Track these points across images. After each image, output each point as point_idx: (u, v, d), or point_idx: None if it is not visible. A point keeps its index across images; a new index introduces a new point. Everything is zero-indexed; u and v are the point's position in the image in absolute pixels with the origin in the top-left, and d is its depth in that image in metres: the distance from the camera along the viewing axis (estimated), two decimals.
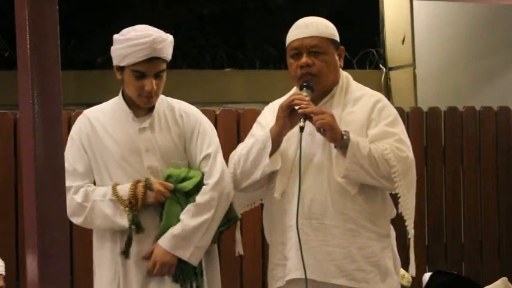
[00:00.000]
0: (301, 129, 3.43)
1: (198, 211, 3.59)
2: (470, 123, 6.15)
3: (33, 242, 2.09)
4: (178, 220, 3.59)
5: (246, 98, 7.63)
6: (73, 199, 3.61)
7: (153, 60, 3.56)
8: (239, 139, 5.29)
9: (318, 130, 3.44)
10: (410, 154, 3.54)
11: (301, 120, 3.44)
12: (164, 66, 3.61)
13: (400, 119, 3.62)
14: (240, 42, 9.26)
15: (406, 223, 3.55)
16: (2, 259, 4.57)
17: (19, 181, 5.00)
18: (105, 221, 3.61)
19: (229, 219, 3.70)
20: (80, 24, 8.77)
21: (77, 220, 3.65)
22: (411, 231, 3.58)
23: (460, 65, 7.37)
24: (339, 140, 3.43)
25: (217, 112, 5.41)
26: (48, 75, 2.11)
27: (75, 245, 4.95)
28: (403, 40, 7.66)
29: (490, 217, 6.16)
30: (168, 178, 3.61)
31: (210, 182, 3.62)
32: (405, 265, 3.77)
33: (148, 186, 3.55)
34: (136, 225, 3.57)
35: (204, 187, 3.62)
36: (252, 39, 9.34)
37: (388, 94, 7.76)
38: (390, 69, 7.93)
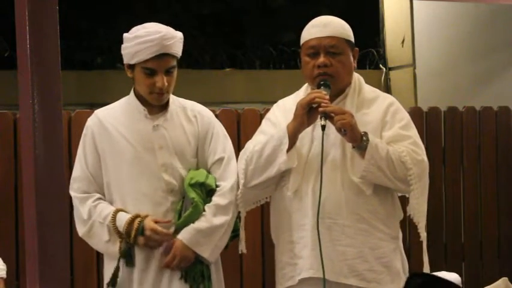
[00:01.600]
0: (323, 127, 3.41)
1: (220, 211, 3.58)
2: (470, 123, 6.15)
3: (33, 242, 2.09)
4: (197, 219, 3.56)
5: (246, 98, 7.61)
6: (78, 210, 3.61)
7: (163, 56, 3.55)
8: (239, 139, 5.29)
9: (338, 130, 3.42)
10: (425, 157, 3.54)
11: (322, 119, 3.42)
12: (174, 62, 3.60)
13: (412, 123, 3.62)
14: (240, 42, 9.25)
15: (419, 226, 3.55)
16: (2, 259, 4.56)
17: (19, 181, 4.99)
18: (99, 244, 3.62)
19: (234, 229, 3.69)
20: (79, 24, 8.76)
21: (78, 231, 3.65)
22: (423, 234, 3.59)
23: (460, 65, 7.37)
24: (358, 140, 3.42)
25: (217, 112, 5.40)
26: (48, 75, 2.12)
27: (75, 245, 4.95)
28: (403, 42, 7.65)
29: (490, 217, 6.16)
30: (191, 179, 3.58)
31: (226, 184, 3.62)
32: None
33: (139, 231, 3.53)
34: (127, 259, 3.56)
35: (220, 188, 3.61)
36: (252, 39, 9.33)
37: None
38: (390, 69, 7.92)
